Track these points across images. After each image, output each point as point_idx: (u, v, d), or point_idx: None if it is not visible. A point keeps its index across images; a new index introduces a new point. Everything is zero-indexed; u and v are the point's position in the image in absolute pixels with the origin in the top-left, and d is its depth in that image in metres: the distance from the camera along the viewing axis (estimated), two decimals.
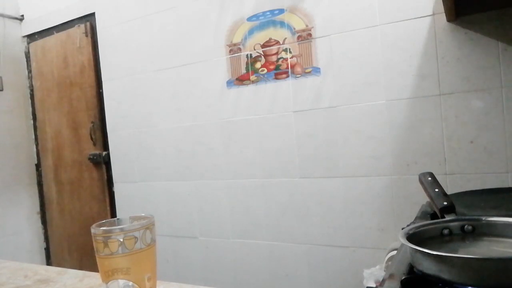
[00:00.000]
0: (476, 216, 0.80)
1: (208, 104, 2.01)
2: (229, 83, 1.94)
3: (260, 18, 1.84)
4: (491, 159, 1.45)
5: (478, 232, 0.76)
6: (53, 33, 2.64)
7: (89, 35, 2.43)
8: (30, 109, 2.83)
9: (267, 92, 1.84)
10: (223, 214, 2.02)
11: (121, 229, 0.58)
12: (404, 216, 1.57)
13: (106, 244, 0.57)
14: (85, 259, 2.56)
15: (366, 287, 1.21)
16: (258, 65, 1.86)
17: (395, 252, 1.10)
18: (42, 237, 2.83)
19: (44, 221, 2.83)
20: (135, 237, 0.57)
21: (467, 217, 0.80)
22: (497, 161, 1.44)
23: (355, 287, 1.69)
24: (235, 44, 1.91)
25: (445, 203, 0.85)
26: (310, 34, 1.73)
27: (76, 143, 2.57)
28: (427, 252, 0.63)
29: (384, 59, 1.59)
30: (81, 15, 2.47)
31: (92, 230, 0.59)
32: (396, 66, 1.57)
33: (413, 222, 1.01)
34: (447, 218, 0.81)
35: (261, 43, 1.84)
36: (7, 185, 2.66)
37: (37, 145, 2.82)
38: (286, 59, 1.79)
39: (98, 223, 0.62)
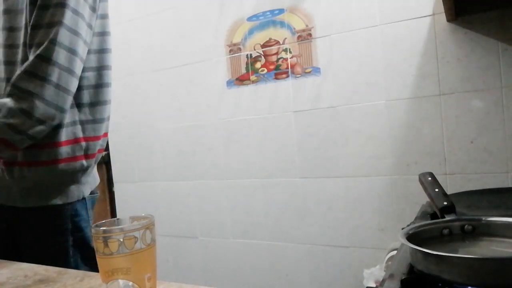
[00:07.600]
0: (476, 216, 0.80)
1: (208, 104, 2.01)
2: (229, 83, 1.94)
3: (260, 18, 1.84)
4: (491, 159, 1.45)
5: (478, 232, 0.76)
6: None
7: None
8: None
9: (267, 92, 1.84)
10: (223, 214, 2.02)
11: (121, 229, 0.58)
12: (404, 216, 1.57)
13: (106, 244, 0.57)
14: None
15: (366, 287, 1.21)
16: (258, 65, 1.86)
17: (395, 252, 1.10)
18: None
19: None
20: (135, 237, 0.57)
21: (467, 217, 0.81)
22: (497, 161, 1.44)
23: (355, 287, 1.69)
24: (235, 44, 1.91)
25: (445, 203, 0.85)
26: (310, 34, 1.73)
27: None
28: (427, 252, 0.63)
29: (384, 59, 1.59)
30: None
31: (92, 230, 0.59)
32: (396, 66, 1.57)
33: (413, 222, 1.01)
34: (447, 218, 0.81)
35: (261, 43, 1.84)
36: None
37: None
38: (286, 59, 1.79)
39: (98, 223, 0.62)
